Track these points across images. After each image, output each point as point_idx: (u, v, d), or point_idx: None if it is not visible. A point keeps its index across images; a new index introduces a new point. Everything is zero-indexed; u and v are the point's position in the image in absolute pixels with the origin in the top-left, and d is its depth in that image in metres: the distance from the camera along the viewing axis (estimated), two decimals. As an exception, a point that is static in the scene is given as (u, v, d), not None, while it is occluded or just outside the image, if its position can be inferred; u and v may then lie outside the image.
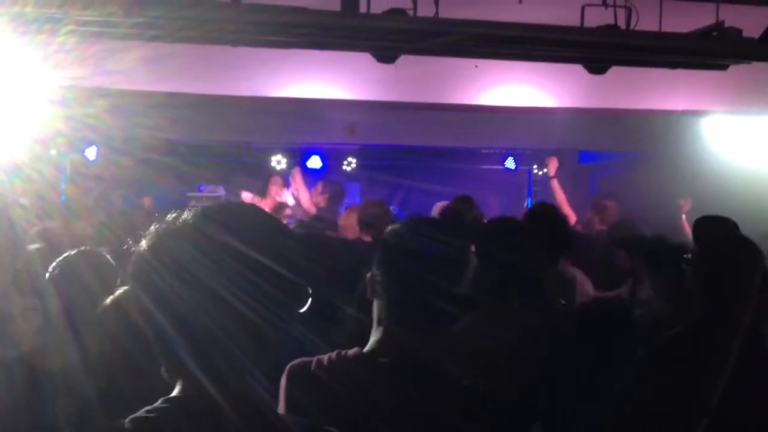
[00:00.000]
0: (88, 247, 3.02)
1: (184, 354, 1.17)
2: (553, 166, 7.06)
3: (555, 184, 6.85)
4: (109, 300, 2.44)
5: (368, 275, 1.76)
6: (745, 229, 4.57)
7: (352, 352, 1.72)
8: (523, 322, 2.42)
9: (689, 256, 2.61)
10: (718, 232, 2.78)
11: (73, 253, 2.90)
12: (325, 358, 1.72)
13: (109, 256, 2.96)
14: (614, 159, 10.09)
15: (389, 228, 1.81)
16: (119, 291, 2.42)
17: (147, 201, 5.88)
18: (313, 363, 1.71)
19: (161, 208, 6.35)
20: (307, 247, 1.24)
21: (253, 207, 1.33)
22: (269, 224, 1.27)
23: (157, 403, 1.20)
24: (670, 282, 3.20)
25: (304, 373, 1.68)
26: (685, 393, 2.33)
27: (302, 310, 1.23)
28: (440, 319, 1.70)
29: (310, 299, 1.24)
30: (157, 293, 1.17)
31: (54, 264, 2.82)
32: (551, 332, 2.48)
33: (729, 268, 2.47)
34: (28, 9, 3.78)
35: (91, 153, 8.05)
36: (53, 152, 6.95)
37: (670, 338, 2.50)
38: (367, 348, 1.73)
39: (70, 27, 3.95)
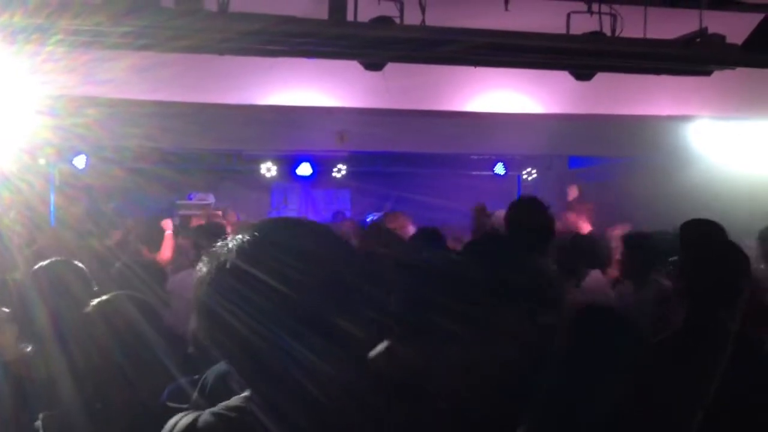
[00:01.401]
0: (63, 258, 3.01)
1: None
2: (572, 193, 7.17)
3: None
4: (93, 309, 2.44)
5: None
6: (732, 232, 4.63)
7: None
8: (516, 335, 2.43)
9: (674, 259, 2.63)
10: (705, 236, 2.80)
11: (54, 261, 2.89)
12: None
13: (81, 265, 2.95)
14: (603, 164, 10.15)
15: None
16: (102, 299, 2.43)
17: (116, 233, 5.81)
18: None
19: (152, 216, 6.37)
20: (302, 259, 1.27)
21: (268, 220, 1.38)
22: (267, 236, 1.30)
23: (234, 401, 1.28)
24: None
25: None
26: (677, 399, 2.35)
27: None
28: (441, 335, 1.71)
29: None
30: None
31: (37, 273, 2.81)
32: (542, 342, 2.50)
33: (715, 274, 2.49)
34: (17, 18, 3.78)
35: (79, 162, 8.04)
36: (42, 161, 6.94)
37: (660, 343, 2.52)
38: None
39: (59, 36, 3.95)
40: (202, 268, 1.28)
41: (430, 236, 4.40)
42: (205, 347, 2.77)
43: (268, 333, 1.22)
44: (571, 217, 6.40)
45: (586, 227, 6.29)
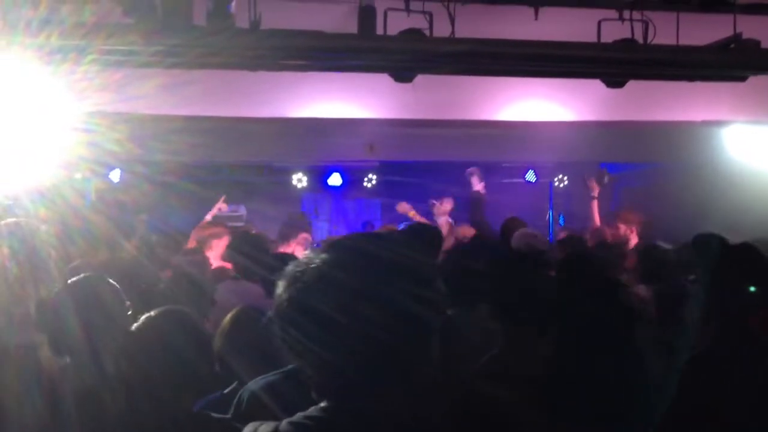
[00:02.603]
0: (96, 273, 3.04)
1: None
2: (595, 188, 7.13)
3: (594, 205, 6.92)
4: (132, 326, 2.47)
5: None
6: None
7: None
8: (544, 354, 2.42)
9: (693, 277, 2.61)
10: (725, 249, 2.74)
11: (88, 276, 2.93)
12: None
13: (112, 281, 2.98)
14: (637, 169, 10.03)
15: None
16: (142, 318, 2.45)
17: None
18: None
19: (186, 229, 6.43)
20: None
21: (385, 247, 1.38)
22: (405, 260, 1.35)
23: (312, 411, 1.34)
24: None
25: None
26: (709, 413, 2.32)
27: None
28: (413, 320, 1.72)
29: None
30: (294, 339, 1.35)
31: (71, 287, 2.85)
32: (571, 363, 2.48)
33: (739, 286, 2.46)
34: (53, 39, 3.87)
35: (115, 176, 8.17)
36: (78, 176, 7.06)
37: (695, 358, 2.48)
38: None
39: (93, 56, 4.03)
40: (283, 288, 1.34)
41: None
42: (228, 366, 2.79)
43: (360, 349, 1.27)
44: (622, 228, 6.26)
45: (634, 239, 6.17)
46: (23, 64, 4.18)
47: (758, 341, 2.41)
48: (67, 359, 2.72)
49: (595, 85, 5.34)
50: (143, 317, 2.44)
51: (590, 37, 4.82)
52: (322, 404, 1.33)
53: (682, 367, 2.50)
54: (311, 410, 1.33)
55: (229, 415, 2.35)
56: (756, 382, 2.39)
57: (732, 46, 4.76)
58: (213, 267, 5.23)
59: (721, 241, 2.71)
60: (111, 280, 2.95)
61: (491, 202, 9.88)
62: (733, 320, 2.48)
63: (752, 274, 2.54)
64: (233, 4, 4.05)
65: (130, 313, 2.81)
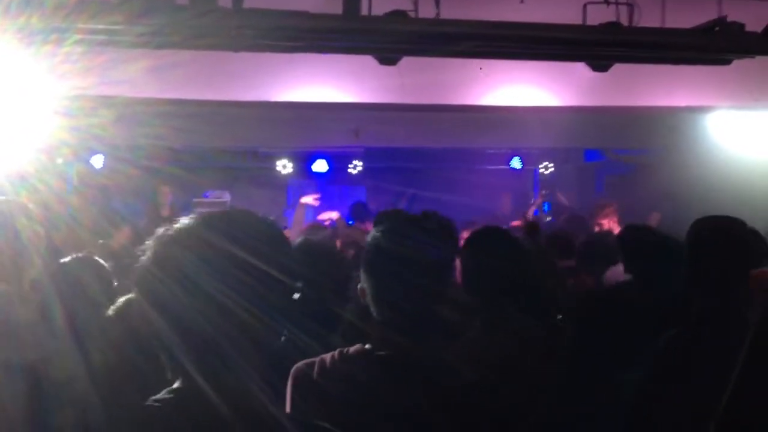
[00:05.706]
0: (82, 254, 3.00)
1: (184, 357, 1.28)
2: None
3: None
4: (112, 310, 2.44)
5: (358, 285, 1.79)
6: (752, 223, 4.53)
7: (354, 348, 1.75)
8: (523, 334, 2.41)
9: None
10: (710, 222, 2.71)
11: (70, 260, 2.89)
12: (327, 357, 1.75)
13: (101, 260, 2.95)
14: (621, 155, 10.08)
15: (371, 233, 1.83)
16: (122, 300, 2.43)
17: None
18: (316, 364, 1.73)
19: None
20: (302, 252, 1.31)
21: (250, 214, 1.40)
22: (266, 231, 1.34)
23: (162, 394, 1.31)
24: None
25: (308, 375, 1.73)
26: (693, 395, 2.32)
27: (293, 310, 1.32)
28: (428, 318, 1.72)
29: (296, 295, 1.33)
30: (159, 300, 1.27)
31: (55, 272, 2.81)
32: (549, 344, 2.47)
33: (721, 264, 2.44)
34: (34, 20, 3.80)
35: (97, 161, 8.10)
36: (60, 161, 6.98)
37: (672, 338, 2.47)
38: (368, 345, 1.76)
39: (76, 37, 3.97)
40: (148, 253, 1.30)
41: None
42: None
43: (272, 322, 1.26)
44: (604, 223, 6.28)
45: (616, 229, 6.19)
46: (3, 47, 4.11)
47: (742, 316, 2.41)
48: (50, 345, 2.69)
49: (581, 70, 5.35)
50: (125, 302, 2.42)
51: (576, 20, 4.82)
52: (176, 385, 1.32)
53: (660, 345, 2.49)
54: (163, 392, 1.32)
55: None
56: (735, 362, 2.38)
57: (716, 29, 4.78)
58: None
59: (700, 223, 2.69)
60: (100, 261, 2.92)
61: (478, 187, 9.91)
62: (712, 295, 2.46)
63: (730, 254, 2.52)
64: (216, -17, 4.01)
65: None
